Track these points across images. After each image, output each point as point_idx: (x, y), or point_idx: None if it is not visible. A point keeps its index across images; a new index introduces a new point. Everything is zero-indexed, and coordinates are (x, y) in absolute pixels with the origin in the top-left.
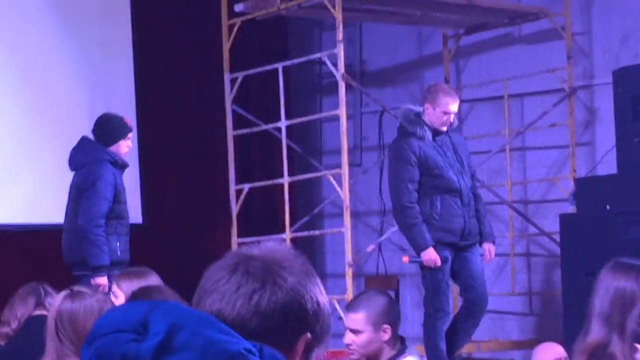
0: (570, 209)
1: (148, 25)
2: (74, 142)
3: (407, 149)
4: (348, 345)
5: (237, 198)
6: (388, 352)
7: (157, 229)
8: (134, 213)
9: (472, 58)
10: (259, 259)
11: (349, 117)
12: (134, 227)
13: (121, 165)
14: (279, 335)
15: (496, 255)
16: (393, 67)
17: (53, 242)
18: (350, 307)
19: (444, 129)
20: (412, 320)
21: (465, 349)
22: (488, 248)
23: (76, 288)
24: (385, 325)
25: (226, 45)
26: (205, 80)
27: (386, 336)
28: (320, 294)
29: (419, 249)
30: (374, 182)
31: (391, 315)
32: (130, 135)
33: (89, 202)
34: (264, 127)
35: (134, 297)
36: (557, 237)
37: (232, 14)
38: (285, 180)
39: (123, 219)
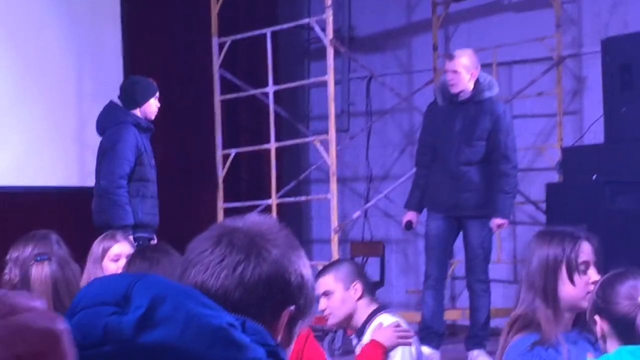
0: (557, 177)
1: None
2: (60, 106)
3: (426, 113)
4: (322, 310)
5: (224, 163)
6: (363, 312)
7: None
8: None
9: (461, 25)
10: (243, 231)
11: (336, 83)
12: None
13: (145, 129)
14: (262, 307)
15: None
16: (382, 33)
17: (41, 205)
18: (319, 274)
19: (453, 90)
20: (397, 286)
21: (450, 316)
22: (494, 222)
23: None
24: (355, 282)
25: (214, 9)
26: (193, 44)
27: (357, 293)
28: (304, 267)
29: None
30: (361, 148)
31: (359, 274)
32: (157, 94)
33: (110, 163)
34: (252, 92)
35: (142, 256)
36: (543, 206)
37: None
38: (272, 145)
39: (147, 181)
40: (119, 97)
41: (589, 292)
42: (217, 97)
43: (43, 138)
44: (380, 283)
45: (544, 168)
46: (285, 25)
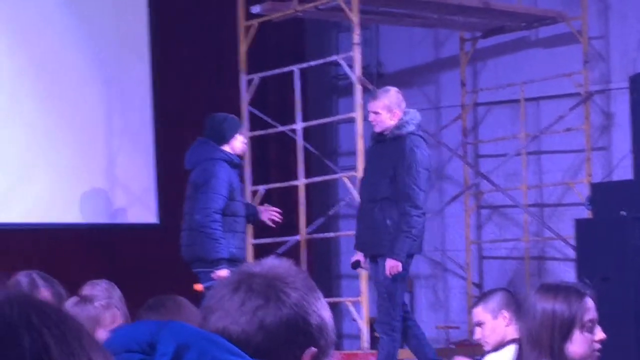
0: (586, 213)
1: (165, 25)
2: (90, 141)
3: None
4: (478, 339)
5: (253, 199)
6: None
7: (173, 229)
8: (150, 213)
9: (489, 61)
10: (261, 275)
11: (364, 119)
12: (148, 227)
13: (236, 165)
14: (284, 350)
15: (512, 258)
16: (410, 69)
17: (69, 242)
18: (473, 305)
19: (376, 129)
20: (427, 322)
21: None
22: (387, 263)
23: (88, 294)
24: (503, 311)
25: (243, 47)
26: (222, 81)
27: (505, 321)
28: (323, 309)
29: None
30: None
31: (507, 303)
32: (243, 129)
33: (204, 198)
34: (280, 128)
35: (148, 307)
36: (573, 242)
37: (249, 15)
38: (301, 181)
39: (237, 216)
40: (206, 134)
41: (594, 350)
42: (246, 134)
43: (72, 175)
44: None
45: (573, 203)
46: (313, 62)
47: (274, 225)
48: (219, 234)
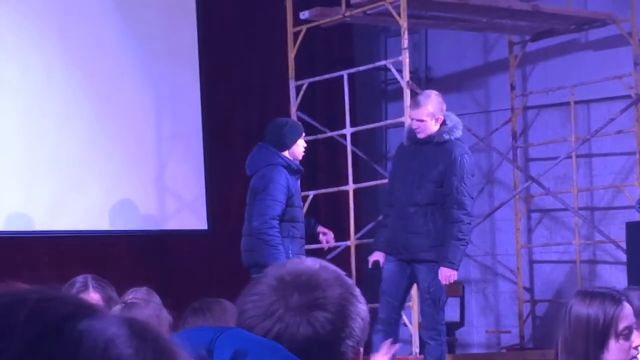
0: (637, 216)
1: (214, 32)
2: (140, 148)
3: (395, 153)
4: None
5: (302, 204)
6: None
7: (222, 236)
8: (200, 220)
9: (538, 64)
10: (304, 274)
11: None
12: (198, 233)
13: (295, 171)
14: (330, 350)
15: (563, 262)
16: (458, 73)
17: (121, 249)
18: None
19: (420, 135)
20: (477, 327)
21: (533, 356)
22: (441, 272)
23: (130, 299)
24: None
25: (291, 53)
26: (271, 87)
27: None
28: (362, 307)
29: None
30: None
31: None
32: (303, 134)
33: (262, 204)
34: (329, 134)
35: (193, 310)
36: (624, 245)
37: (297, 21)
38: (350, 187)
39: (296, 222)
40: (267, 139)
41: (633, 358)
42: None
43: (122, 182)
44: (460, 323)
45: (624, 207)
46: (362, 68)
47: (325, 247)
48: (277, 240)
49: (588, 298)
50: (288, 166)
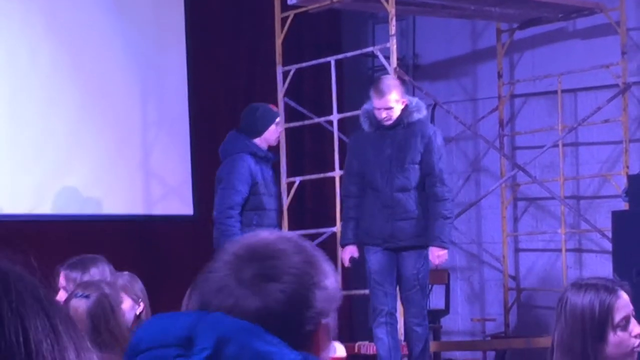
0: (623, 205)
1: (201, 17)
2: (126, 133)
3: (350, 141)
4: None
5: (288, 191)
6: None
7: (208, 221)
8: (185, 204)
9: (525, 52)
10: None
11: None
12: (184, 218)
13: (263, 158)
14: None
15: (549, 250)
16: (446, 60)
17: (105, 233)
18: None
19: (388, 122)
20: (462, 314)
21: (518, 344)
22: (432, 251)
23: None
24: None
25: (279, 38)
26: (258, 72)
27: None
28: (327, 278)
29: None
30: None
31: None
32: (278, 119)
33: (221, 194)
34: (316, 120)
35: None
36: (609, 234)
37: (285, 6)
38: (337, 173)
39: (262, 209)
40: (240, 126)
41: (633, 348)
42: (282, 125)
43: (108, 166)
44: (445, 311)
45: (610, 196)
46: (349, 54)
47: None
48: (234, 230)
49: (583, 290)
50: (254, 153)
